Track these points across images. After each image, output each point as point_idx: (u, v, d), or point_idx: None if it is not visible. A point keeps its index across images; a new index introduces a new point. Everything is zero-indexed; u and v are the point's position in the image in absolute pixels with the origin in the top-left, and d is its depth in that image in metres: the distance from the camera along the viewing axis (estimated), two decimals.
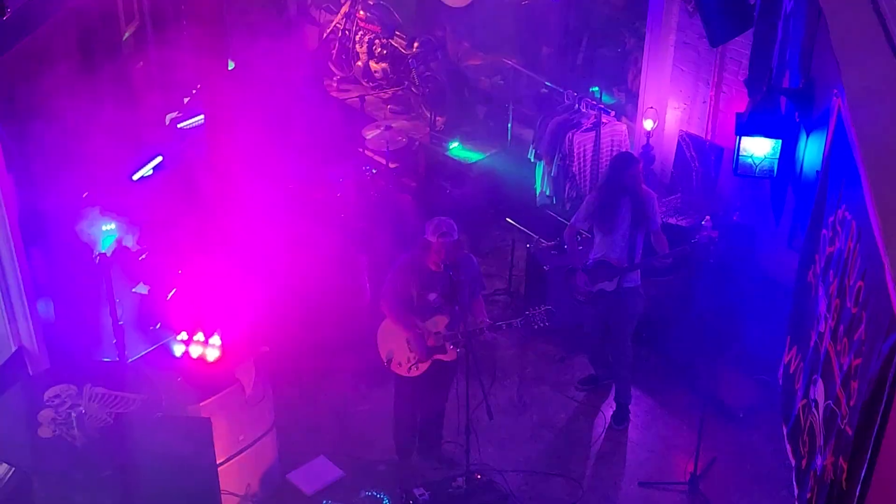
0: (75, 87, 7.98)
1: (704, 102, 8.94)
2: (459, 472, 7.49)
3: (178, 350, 7.12)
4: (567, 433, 8.23)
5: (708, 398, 7.68)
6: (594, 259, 7.82)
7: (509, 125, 10.72)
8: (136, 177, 8.79)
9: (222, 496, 6.79)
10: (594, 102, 9.75)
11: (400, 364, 7.31)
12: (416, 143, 10.86)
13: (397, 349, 7.28)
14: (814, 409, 3.81)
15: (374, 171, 9.97)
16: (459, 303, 7.01)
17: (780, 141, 5.40)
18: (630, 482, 7.79)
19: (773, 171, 5.49)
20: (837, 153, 3.91)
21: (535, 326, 7.21)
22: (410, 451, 7.85)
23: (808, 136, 5.04)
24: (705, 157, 9.02)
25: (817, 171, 4.35)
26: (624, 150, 9.82)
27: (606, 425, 8.26)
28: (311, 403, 8.25)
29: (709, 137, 9.00)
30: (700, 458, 7.58)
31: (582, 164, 9.73)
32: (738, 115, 5.68)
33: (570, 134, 9.60)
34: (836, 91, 3.91)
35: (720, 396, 8.23)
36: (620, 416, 8.24)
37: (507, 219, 10.15)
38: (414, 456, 7.88)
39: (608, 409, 8.40)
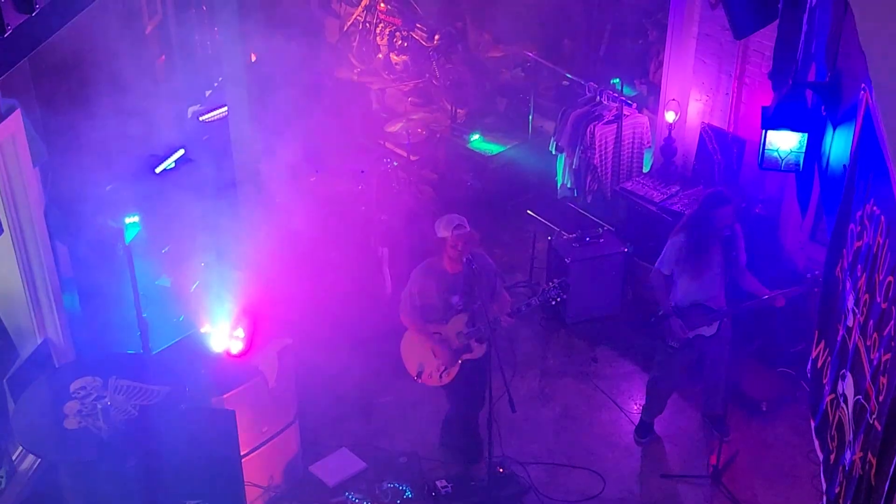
0: (98, 82, 8.02)
1: (727, 94, 8.90)
2: (481, 465, 7.51)
3: (203, 342, 7.16)
4: (589, 425, 8.22)
5: (731, 391, 7.68)
6: (687, 304, 7.40)
7: (530, 117, 10.71)
8: (158, 169, 8.81)
9: (245, 487, 6.84)
10: (616, 95, 9.74)
11: (430, 375, 7.27)
12: (437, 135, 10.87)
13: (425, 361, 7.23)
14: (842, 404, 3.80)
15: (395, 163, 9.98)
16: (479, 298, 6.97)
17: (807, 134, 5.38)
18: (652, 475, 7.79)
19: (798, 164, 5.47)
20: (865, 147, 3.89)
21: (553, 302, 7.18)
22: (478, 452, 7.69)
23: (834, 129, 5.01)
24: (727, 150, 8.98)
25: (844, 166, 4.33)
26: (645, 141, 9.83)
27: (629, 418, 8.26)
28: (333, 395, 8.27)
29: (731, 130, 8.96)
30: (722, 451, 7.57)
31: (603, 157, 9.72)
32: (764, 109, 5.65)
33: (592, 126, 9.59)
34: (863, 85, 3.90)
35: (743, 389, 8.22)
36: (722, 428, 7.80)
37: (529, 211, 10.17)
38: (438, 449, 7.88)
39: (630, 402, 8.40)
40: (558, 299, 7.18)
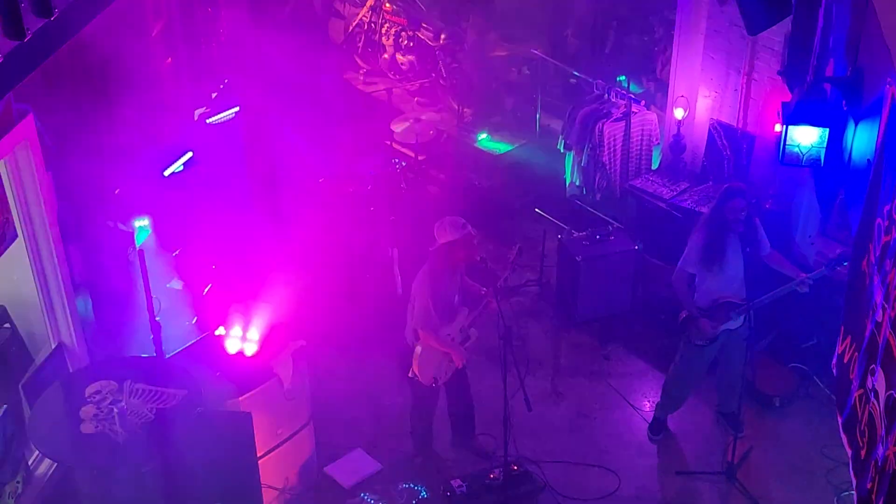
0: (107, 86, 8.02)
1: (735, 90, 8.89)
2: (496, 464, 7.50)
3: (217, 345, 7.15)
4: (602, 424, 8.23)
5: (744, 387, 7.67)
6: (710, 301, 7.38)
7: (537, 116, 10.70)
8: (167, 172, 8.81)
9: (262, 489, 6.82)
10: (624, 92, 9.73)
11: (442, 377, 7.35)
12: (445, 135, 10.85)
13: (441, 366, 7.28)
14: (873, 399, 3.79)
15: (403, 164, 9.97)
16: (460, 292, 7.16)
17: (828, 130, 5.37)
18: (667, 472, 7.79)
19: (820, 160, 5.46)
20: (892, 142, 3.89)
21: (515, 265, 7.37)
22: (430, 444, 7.87)
23: (856, 124, 5.00)
24: (737, 146, 8.98)
25: (869, 160, 4.33)
26: (654, 138, 9.81)
27: (641, 415, 8.25)
28: (347, 397, 8.28)
29: (740, 126, 8.95)
30: (736, 447, 7.58)
31: (612, 154, 9.71)
32: (785, 104, 5.65)
33: (601, 124, 9.58)
34: (889, 80, 3.89)
35: (756, 385, 8.22)
36: (736, 424, 7.83)
37: (537, 209, 10.15)
38: (450, 448, 7.89)
39: (643, 400, 8.40)
40: (519, 258, 7.37)
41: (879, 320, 3.82)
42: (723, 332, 7.44)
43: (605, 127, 9.59)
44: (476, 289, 7.30)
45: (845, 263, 6.67)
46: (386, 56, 12.02)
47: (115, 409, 6.17)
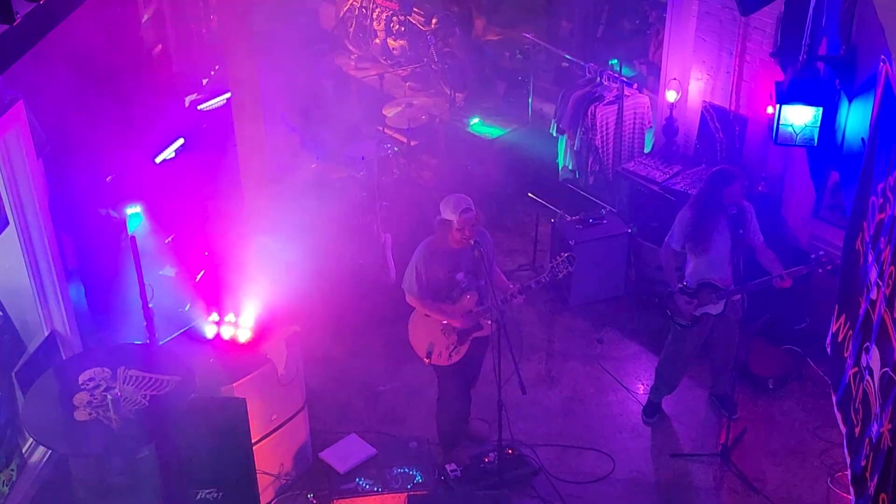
0: (98, 72, 7.97)
1: (728, 73, 8.88)
2: (490, 448, 7.50)
3: (210, 331, 7.14)
4: (597, 407, 8.23)
5: (737, 369, 7.69)
6: (696, 281, 7.39)
7: (530, 100, 10.67)
8: (158, 159, 8.78)
9: (257, 475, 6.82)
10: (616, 75, 9.71)
11: (440, 354, 7.22)
12: (437, 120, 10.82)
13: (435, 341, 7.19)
14: (867, 377, 3.80)
15: (395, 149, 9.95)
16: (486, 276, 6.97)
17: (822, 109, 5.36)
18: (661, 454, 7.80)
19: (813, 139, 5.45)
20: (886, 119, 3.88)
21: (561, 275, 7.10)
22: (458, 441, 7.77)
23: (850, 103, 4.99)
24: (729, 128, 8.97)
25: (862, 139, 4.32)
26: (646, 121, 9.79)
27: (636, 399, 8.26)
28: (341, 382, 8.27)
29: (733, 108, 8.95)
30: (730, 429, 7.58)
31: (605, 138, 9.70)
32: (778, 84, 5.64)
33: (593, 107, 9.56)
34: (883, 57, 3.88)
35: (749, 367, 8.23)
36: (730, 406, 7.81)
37: (530, 194, 10.14)
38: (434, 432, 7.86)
39: (637, 383, 8.41)
40: (566, 272, 7.10)
41: (874, 298, 3.82)
42: (707, 315, 7.43)
43: (597, 110, 9.57)
44: (503, 281, 7.24)
45: (829, 267, 6.68)
46: (377, 41, 11.98)
47: (109, 397, 6.14)
